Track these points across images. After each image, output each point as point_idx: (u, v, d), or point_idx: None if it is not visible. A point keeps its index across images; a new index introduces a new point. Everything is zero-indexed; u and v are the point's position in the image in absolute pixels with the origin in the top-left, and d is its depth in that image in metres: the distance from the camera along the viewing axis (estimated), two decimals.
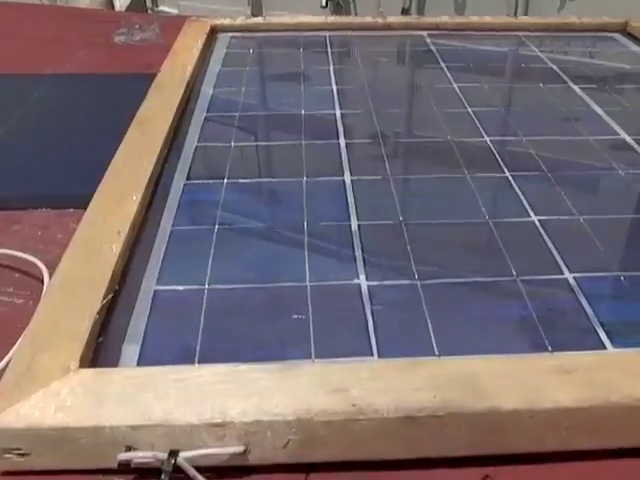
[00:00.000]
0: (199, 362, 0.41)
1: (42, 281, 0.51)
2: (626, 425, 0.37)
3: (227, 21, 0.99)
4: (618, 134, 0.69)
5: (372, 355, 0.41)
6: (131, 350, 0.42)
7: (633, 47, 0.95)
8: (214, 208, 0.56)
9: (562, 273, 0.48)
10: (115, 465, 0.36)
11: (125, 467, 0.36)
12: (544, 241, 0.52)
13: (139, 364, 0.41)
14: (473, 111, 0.74)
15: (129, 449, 0.37)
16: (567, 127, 0.71)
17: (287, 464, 0.37)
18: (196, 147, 0.67)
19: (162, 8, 2.54)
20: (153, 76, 0.82)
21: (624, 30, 1.01)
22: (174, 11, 2.51)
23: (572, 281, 0.47)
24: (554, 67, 0.87)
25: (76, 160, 0.69)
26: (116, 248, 0.49)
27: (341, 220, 0.55)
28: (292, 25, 0.98)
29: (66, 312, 0.43)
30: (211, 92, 0.79)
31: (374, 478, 0.37)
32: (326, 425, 0.36)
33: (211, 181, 0.61)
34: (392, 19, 1.00)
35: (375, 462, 0.37)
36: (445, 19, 1.00)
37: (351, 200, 0.57)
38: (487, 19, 1.00)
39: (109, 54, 0.99)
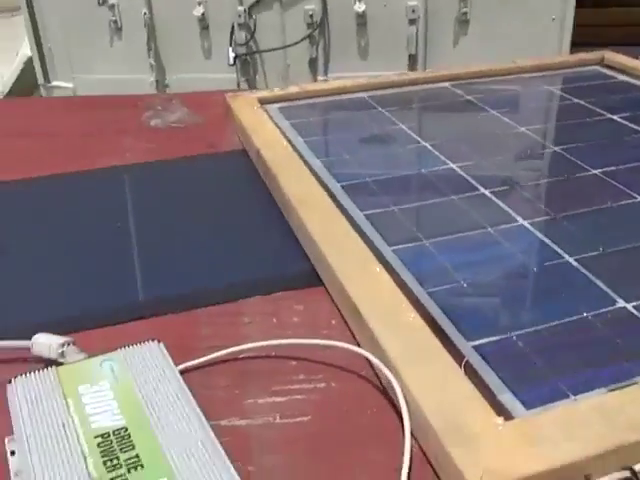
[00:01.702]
0: None
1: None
2: None
3: (267, 92, 1.03)
4: None
5: None
6: None
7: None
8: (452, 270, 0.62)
9: None
10: None
11: None
12: None
13: None
14: (560, 148, 0.84)
15: None
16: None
17: None
18: (365, 215, 0.71)
19: (56, 83, 2.48)
20: (230, 154, 0.89)
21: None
22: (69, 85, 2.46)
23: None
24: (581, 102, 0.99)
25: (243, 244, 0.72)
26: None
27: (554, 259, 0.62)
28: (330, 90, 1.05)
29: None
30: (318, 163, 0.83)
31: None
32: None
33: (412, 244, 0.66)
34: (417, 75, 1.09)
35: None
36: (458, 70, 1.10)
37: (547, 240, 0.65)
38: (492, 66, 1.12)
39: (157, 139, 1.00)
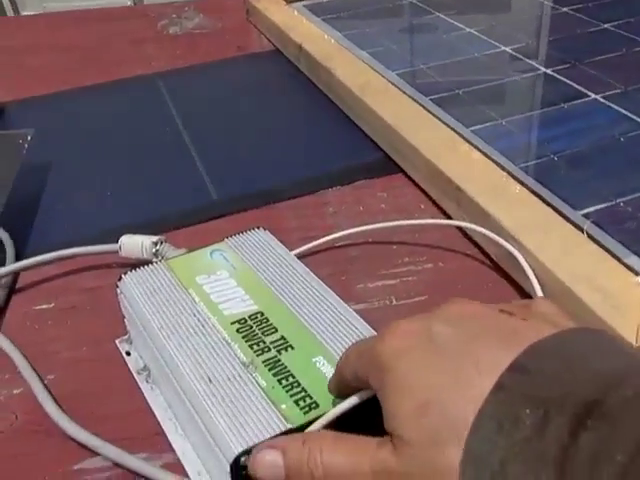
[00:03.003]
0: None
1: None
2: None
3: None
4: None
5: None
6: None
7: None
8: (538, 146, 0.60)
9: None
10: None
11: None
12: None
13: None
14: (610, 25, 0.81)
15: None
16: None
17: None
18: (431, 99, 0.69)
19: (25, 13, 2.36)
20: (263, 55, 0.87)
21: None
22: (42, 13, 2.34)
23: None
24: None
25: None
26: None
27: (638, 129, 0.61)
28: None
29: None
30: (366, 54, 0.80)
31: None
32: None
33: (489, 124, 0.64)
34: None
35: None
36: None
37: (624, 111, 0.64)
38: None
39: (180, 46, 0.95)
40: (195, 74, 0.85)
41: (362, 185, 0.62)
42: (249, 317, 0.41)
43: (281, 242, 0.49)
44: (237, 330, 0.40)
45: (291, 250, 0.53)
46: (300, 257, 0.53)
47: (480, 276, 0.51)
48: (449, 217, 0.57)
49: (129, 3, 2.24)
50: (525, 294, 0.48)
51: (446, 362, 0.27)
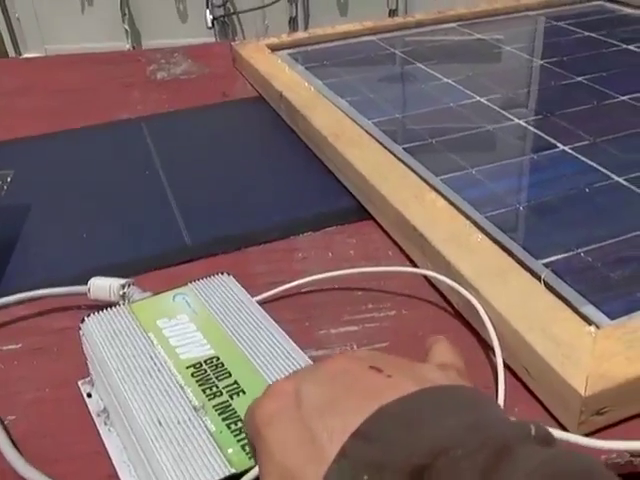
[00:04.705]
0: None
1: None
2: None
3: (276, 39, 1.01)
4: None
5: None
6: None
7: None
8: (505, 196, 0.61)
9: None
10: None
11: None
12: None
13: None
14: (583, 78, 0.83)
15: None
16: None
17: None
18: (404, 148, 0.70)
19: (27, 55, 2.40)
20: (246, 101, 0.89)
21: None
22: (41, 56, 2.39)
23: None
24: (593, 34, 0.98)
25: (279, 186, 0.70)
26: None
27: (604, 180, 0.63)
28: (337, 34, 1.03)
29: None
30: (345, 103, 0.81)
31: None
32: None
33: (459, 173, 0.65)
34: (423, 16, 1.07)
35: None
36: (463, 10, 1.09)
37: (591, 163, 0.65)
38: (496, 5, 1.10)
39: (167, 90, 0.97)
40: (179, 119, 0.87)
41: (333, 231, 0.63)
42: (205, 361, 0.42)
43: (247, 287, 0.49)
44: (192, 374, 0.41)
45: (258, 295, 0.54)
46: (266, 302, 0.54)
47: (442, 324, 0.52)
48: (415, 264, 0.58)
49: (127, 46, 2.28)
50: (484, 342, 0.49)
51: (305, 432, 0.28)
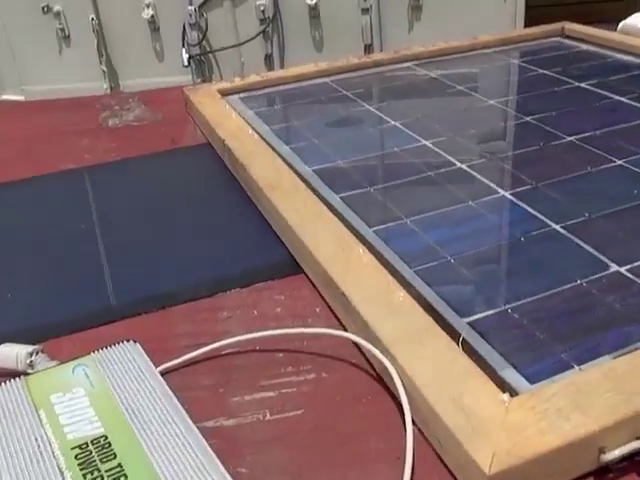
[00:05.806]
0: None
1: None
2: None
3: (228, 84, 1.00)
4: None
5: None
6: None
7: None
8: (437, 247, 0.59)
9: None
10: None
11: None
12: None
13: None
14: (531, 118, 0.82)
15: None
16: None
17: None
18: (341, 198, 0.68)
19: (5, 97, 2.40)
20: (194, 149, 0.87)
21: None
22: (19, 97, 2.38)
23: None
24: (547, 72, 0.97)
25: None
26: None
27: (540, 228, 0.61)
28: (291, 77, 1.01)
29: None
30: (287, 149, 0.80)
31: None
32: None
33: (393, 224, 0.64)
34: (378, 56, 1.06)
35: None
36: (420, 49, 1.08)
37: (530, 209, 0.63)
38: (453, 43, 1.09)
39: (116, 138, 0.96)
40: (123, 168, 0.85)
41: (262, 287, 0.61)
42: (92, 441, 0.40)
43: (166, 350, 0.48)
44: (75, 456, 0.39)
45: (176, 358, 0.52)
46: (184, 366, 0.52)
47: (361, 388, 0.50)
48: (341, 322, 0.56)
49: (105, 86, 2.28)
50: (401, 408, 0.46)
51: None
